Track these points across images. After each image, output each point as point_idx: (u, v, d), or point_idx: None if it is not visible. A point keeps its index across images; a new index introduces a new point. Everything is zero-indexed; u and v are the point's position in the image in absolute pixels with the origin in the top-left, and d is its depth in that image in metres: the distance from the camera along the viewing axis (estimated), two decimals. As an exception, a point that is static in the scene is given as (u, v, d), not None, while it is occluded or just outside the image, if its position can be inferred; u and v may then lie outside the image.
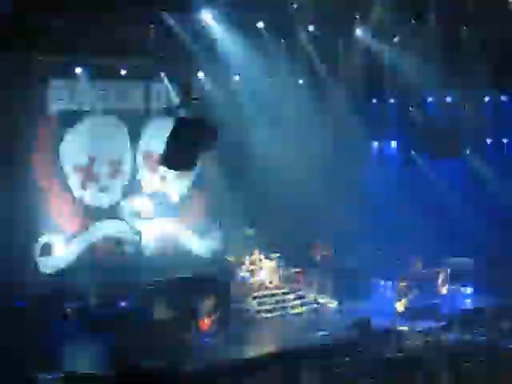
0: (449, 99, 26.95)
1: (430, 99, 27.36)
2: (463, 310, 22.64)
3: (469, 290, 24.12)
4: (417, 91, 26.29)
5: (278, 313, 23.29)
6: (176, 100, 22.92)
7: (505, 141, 27.20)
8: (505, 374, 14.28)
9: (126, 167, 24.33)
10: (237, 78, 25.07)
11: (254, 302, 23.27)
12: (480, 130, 26.89)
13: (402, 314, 21.46)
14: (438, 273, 23.00)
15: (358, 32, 24.60)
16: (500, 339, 17.62)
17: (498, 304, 22.33)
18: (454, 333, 18.90)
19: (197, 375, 16.93)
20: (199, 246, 25.72)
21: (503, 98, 26.82)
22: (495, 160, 26.92)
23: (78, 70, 22.38)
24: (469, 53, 24.21)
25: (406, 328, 20.48)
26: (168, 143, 17.60)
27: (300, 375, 15.10)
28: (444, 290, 22.59)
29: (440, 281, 22.70)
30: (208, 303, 20.25)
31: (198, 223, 25.70)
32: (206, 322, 20.18)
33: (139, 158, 24.57)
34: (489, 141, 27.39)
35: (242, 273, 24.01)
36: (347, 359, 16.63)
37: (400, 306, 21.52)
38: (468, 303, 23.59)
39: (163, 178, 24.79)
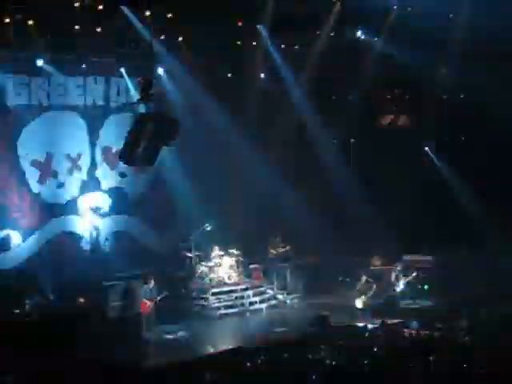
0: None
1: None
2: (421, 307, 22.83)
3: (426, 287, 24.27)
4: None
5: (237, 309, 23.30)
6: (136, 95, 22.78)
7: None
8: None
9: (85, 163, 24.14)
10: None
11: (213, 299, 23.25)
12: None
13: (361, 311, 21.58)
14: (395, 269, 23.11)
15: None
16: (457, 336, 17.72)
17: (455, 302, 22.53)
18: (412, 329, 18.99)
19: (153, 372, 16.86)
20: (157, 242, 25.57)
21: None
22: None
23: (39, 63, 22.19)
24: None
25: (363, 324, 20.61)
26: (127, 139, 17.51)
27: (259, 372, 15.08)
28: (401, 286, 22.71)
29: (395, 277, 22.82)
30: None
31: (156, 219, 25.53)
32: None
33: (98, 154, 24.39)
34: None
35: (201, 269, 23.97)
36: (306, 356, 16.65)
37: (359, 303, 21.64)
38: (426, 300, 23.73)
39: (122, 174, 24.61)
